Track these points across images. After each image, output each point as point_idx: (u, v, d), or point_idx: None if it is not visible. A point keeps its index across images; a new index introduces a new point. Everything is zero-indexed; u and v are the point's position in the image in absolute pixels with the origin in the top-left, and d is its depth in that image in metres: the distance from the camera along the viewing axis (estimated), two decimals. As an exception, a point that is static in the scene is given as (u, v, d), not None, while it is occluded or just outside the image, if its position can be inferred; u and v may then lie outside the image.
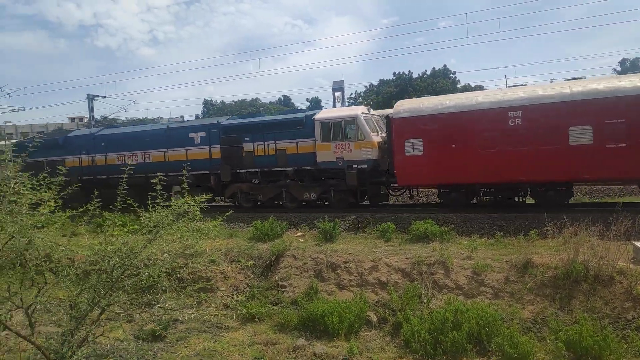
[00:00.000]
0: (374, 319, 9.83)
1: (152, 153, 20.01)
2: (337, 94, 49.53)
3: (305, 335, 9.51)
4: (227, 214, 8.54)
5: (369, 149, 15.78)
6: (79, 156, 21.87)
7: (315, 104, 71.19)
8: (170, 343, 9.25)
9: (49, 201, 4.77)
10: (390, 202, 19.77)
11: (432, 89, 55.91)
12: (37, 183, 4.67)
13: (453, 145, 14.01)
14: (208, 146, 18.78)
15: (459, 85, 62.40)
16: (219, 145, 18.54)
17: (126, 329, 6.74)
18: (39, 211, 4.62)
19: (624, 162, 12.04)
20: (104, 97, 34.99)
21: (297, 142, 16.96)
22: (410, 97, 33.22)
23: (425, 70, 67.26)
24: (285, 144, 17.23)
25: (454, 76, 67.07)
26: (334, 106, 45.00)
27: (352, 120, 16.19)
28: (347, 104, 53.42)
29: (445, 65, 68.46)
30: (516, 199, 14.41)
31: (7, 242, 4.15)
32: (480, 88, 47.06)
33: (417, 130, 14.59)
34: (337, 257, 11.99)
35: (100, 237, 5.93)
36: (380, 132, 16.67)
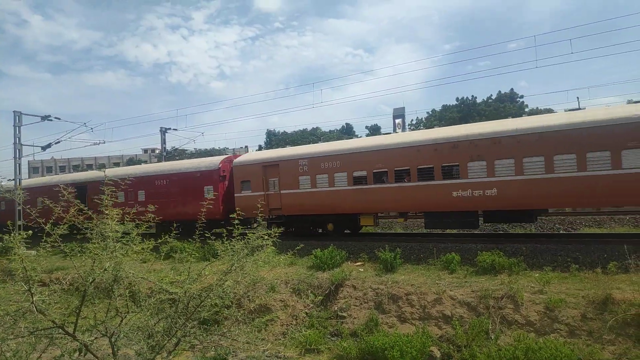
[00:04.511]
0: (438, 354, 9.38)
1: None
2: (398, 120, 49.37)
3: (364, 369, 9.23)
4: (298, 247, 8.58)
5: None
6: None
7: (375, 131, 71.20)
8: (230, 371, 9.33)
9: (137, 236, 5.05)
10: (455, 231, 19.09)
11: (497, 113, 54.08)
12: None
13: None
14: None
15: (527, 109, 59.87)
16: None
17: (188, 355, 6.86)
18: (127, 244, 4.87)
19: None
20: (176, 129, 36.94)
21: None
22: (475, 122, 32.28)
23: (491, 95, 65.39)
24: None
25: (521, 100, 64.57)
26: (395, 131, 44.78)
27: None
28: (407, 130, 52.96)
29: (512, 89, 66.17)
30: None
31: (99, 274, 4.44)
32: (549, 111, 44.84)
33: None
34: (399, 289, 11.65)
35: (176, 267, 6.30)
36: None
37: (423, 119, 68.62)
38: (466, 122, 46.68)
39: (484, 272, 11.84)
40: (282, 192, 18.61)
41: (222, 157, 22.09)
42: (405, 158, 15.84)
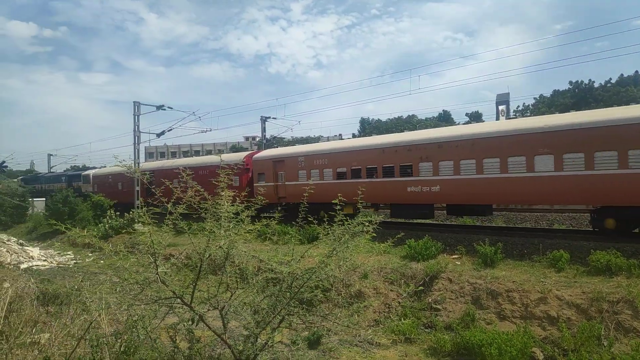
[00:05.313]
0: (540, 356, 8.83)
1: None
2: (502, 107, 46.59)
3: (459, 364, 8.99)
4: (399, 235, 8.63)
5: None
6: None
7: (475, 118, 67.73)
8: (323, 352, 9.63)
9: (247, 217, 5.48)
10: (563, 227, 17.69)
11: (618, 99, 48.50)
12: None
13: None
14: None
15: (655, 94, 52.89)
16: None
17: (284, 333, 7.21)
18: (239, 224, 5.31)
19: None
20: (275, 118, 38.44)
21: None
22: (590, 108, 29.42)
23: (610, 78, 58.75)
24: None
25: (647, 83, 57.15)
26: (497, 119, 42.23)
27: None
28: (512, 116, 49.62)
29: (637, 72, 58.73)
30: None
31: (215, 251, 4.90)
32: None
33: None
34: (499, 285, 11.11)
35: (277, 249, 6.79)
36: None
37: (530, 106, 63.84)
38: (579, 108, 42.57)
39: (596, 272, 10.85)
40: (286, 183, 22.09)
41: (246, 153, 26.73)
42: (374, 158, 18.60)
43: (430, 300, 11.73)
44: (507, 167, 14.44)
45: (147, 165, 37.32)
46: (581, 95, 56.11)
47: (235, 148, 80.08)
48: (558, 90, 62.26)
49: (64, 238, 29.43)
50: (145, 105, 31.45)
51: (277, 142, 59.75)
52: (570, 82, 59.57)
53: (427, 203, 17.08)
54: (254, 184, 23.67)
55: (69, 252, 25.93)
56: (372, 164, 18.64)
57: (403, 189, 17.16)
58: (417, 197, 16.84)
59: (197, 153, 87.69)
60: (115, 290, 6.04)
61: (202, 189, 5.55)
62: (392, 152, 17.97)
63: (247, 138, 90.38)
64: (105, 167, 46.38)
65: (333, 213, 6.21)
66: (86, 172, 44.62)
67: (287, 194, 21.96)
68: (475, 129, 16.61)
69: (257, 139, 59.50)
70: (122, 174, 34.90)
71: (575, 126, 13.23)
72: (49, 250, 26.82)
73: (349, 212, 21.34)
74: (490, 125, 16.74)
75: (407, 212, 18.18)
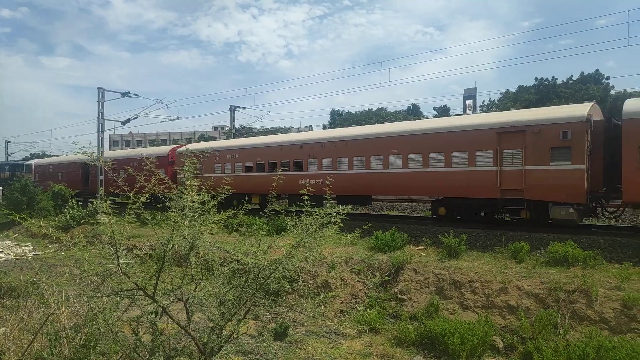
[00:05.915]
0: (500, 344, 9.12)
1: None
2: (469, 102, 47.59)
3: (423, 353, 9.20)
4: (366, 227, 8.73)
5: None
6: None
7: (443, 112, 68.83)
8: (290, 343, 9.66)
9: (213, 207, 5.39)
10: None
11: (579, 95, 50.22)
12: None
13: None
14: None
15: (612, 92, 55.05)
16: None
17: (251, 325, 7.16)
18: (204, 214, 5.21)
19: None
20: (245, 107, 38.01)
21: None
22: (553, 104, 30.46)
23: (571, 76, 60.67)
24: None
25: (606, 82, 59.35)
26: (464, 113, 43.12)
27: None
28: (479, 111, 50.73)
29: (597, 70, 60.85)
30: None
31: (178, 241, 4.81)
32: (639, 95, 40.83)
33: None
34: (462, 275, 11.40)
35: (243, 240, 6.77)
36: None
37: (496, 101, 65.32)
38: (543, 104, 43.87)
39: (555, 263, 11.28)
40: (204, 175, 22.87)
41: (171, 147, 29.19)
42: (275, 154, 21.32)
43: (395, 290, 11.92)
44: (370, 164, 17.63)
45: (72, 157, 38.72)
46: (544, 92, 57.80)
47: (203, 137, 78.77)
48: (523, 86, 63.97)
49: (22, 229, 28.30)
50: (110, 91, 30.47)
51: (246, 132, 58.91)
52: (536, 79, 61.26)
53: (315, 194, 18.93)
54: (177, 176, 24.74)
55: (27, 244, 24.97)
56: (273, 159, 21.25)
57: (296, 181, 18.91)
58: (305, 190, 19.37)
59: (163, 142, 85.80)
60: (75, 282, 5.85)
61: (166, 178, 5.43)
62: (288, 150, 20.77)
63: (215, 127, 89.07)
64: (50, 156, 50.26)
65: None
66: (28, 162, 47.50)
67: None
68: (348, 132, 20.50)
69: (226, 129, 58.56)
70: (62, 164, 37.89)
71: (416, 132, 16.54)
72: (6, 242, 25.76)
73: (256, 202, 24.37)
74: (358, 129, 21.01)
75: (301, 202, 21.20)
